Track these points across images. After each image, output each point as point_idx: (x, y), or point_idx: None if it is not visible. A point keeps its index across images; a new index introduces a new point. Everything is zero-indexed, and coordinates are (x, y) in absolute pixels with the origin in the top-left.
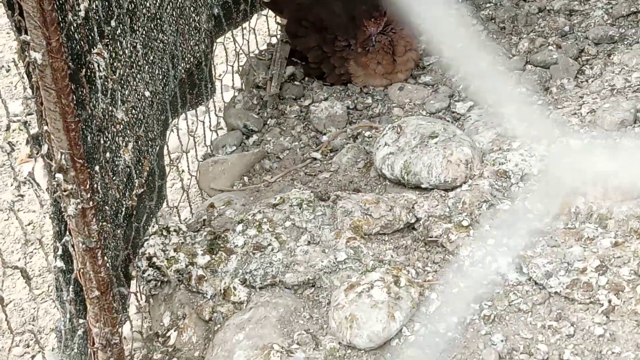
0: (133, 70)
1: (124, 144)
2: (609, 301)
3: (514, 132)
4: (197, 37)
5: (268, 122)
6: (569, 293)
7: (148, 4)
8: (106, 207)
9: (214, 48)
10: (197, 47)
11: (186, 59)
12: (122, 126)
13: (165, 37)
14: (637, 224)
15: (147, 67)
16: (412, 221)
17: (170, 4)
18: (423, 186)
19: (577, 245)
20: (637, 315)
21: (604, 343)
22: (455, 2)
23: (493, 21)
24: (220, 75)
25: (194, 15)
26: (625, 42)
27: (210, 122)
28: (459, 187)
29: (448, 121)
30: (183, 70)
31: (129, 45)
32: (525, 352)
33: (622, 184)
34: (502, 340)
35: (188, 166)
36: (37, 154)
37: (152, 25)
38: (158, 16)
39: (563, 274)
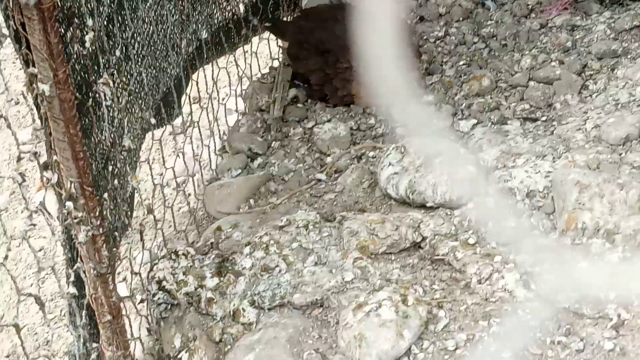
0: (133, 97)
1: (130, 170)
2: (618, 315)
3: (518, 149)
4: (176, 61)
5: (272, 145)
6: (578, 308)
7: (144, 32)
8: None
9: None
10: (173, 71)
11: (165, 83)
12: (127, 153)
13: (157, 63)
14: None
15: (143, 93)
16: (419, 240)
17: (162, 30)
18: (428, 205)
19: (585, 261)
20: None
21: (614, 357)
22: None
23: (495, 38)
24: (223, 99)
25: (177, 39)
26: (629, 56)
27: (215, 145)
28: (465, 205)
29: (452, 140)
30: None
31: (132, 74)
32: None
33: (627, 199)
34: (511, 357)
35: (194, 190)
36: (47, 182)
37: (147, 52)
38: (152, 43)
39: (571, 289)
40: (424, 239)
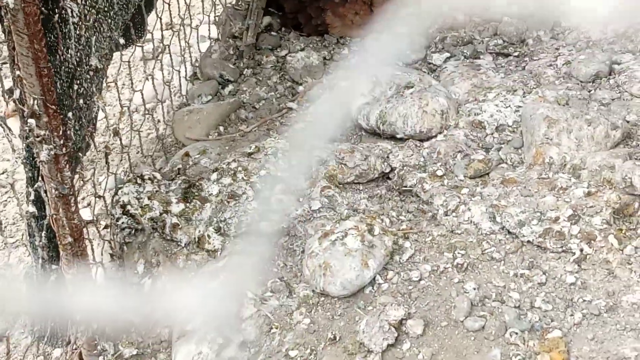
0: (101, 16)
1: (97, 91)
2: (581, 250)
3: (489, 83)
4: None
5: (244, 72)
6: (542, 242)
7: None
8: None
9: None
10: None
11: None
12: (94, 73)
13: None
14: (609, 174)
15: (112, 12)
16: (387, 171)
17: None
18: (398, 136)
19: (550, 195)
20: (608, 263)
21: (575, 291)
22: None
23: None
24: (197, 25)
25: None
26: None
27: (186, 71)
28: (434, 137)
29: (424, 72)
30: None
31: None
32: (497, 299)
33: (595, 135)
34: (474, 288)
35: (163, 115)
36: (12, 111)
37: None
38: None
39: (536, 223)
40: (392, 169)
